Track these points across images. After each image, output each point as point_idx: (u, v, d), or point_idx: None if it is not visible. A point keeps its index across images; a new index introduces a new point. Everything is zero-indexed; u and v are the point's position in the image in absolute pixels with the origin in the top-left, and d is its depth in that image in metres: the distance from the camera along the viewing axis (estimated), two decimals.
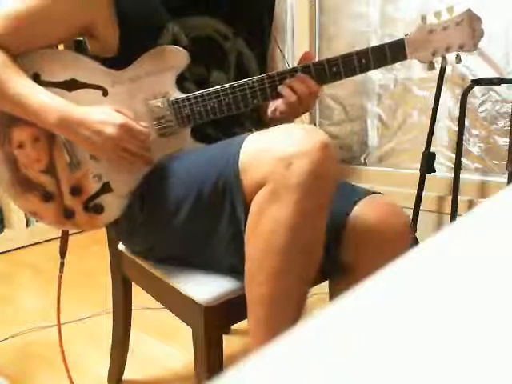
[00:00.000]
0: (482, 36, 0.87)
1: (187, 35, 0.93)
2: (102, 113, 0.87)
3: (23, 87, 0.87)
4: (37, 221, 0.98)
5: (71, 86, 0.91)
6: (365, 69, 0.90)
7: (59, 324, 1.11)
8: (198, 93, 0.91)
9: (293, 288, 0.78)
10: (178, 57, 0.91)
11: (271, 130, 0.79)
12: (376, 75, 2.00)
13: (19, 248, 2.28)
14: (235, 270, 0.87)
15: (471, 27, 0.86)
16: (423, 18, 0.89)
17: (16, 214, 2.26)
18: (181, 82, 0.93)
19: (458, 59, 0.90)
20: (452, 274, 0.31)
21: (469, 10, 0.86)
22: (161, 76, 0.92)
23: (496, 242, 0.36)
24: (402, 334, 0.25)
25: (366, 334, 0.25)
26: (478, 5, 1.69)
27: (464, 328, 0.25)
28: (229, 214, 0.80)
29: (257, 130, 1.13)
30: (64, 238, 1.11)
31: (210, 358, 0.89)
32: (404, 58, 0.89)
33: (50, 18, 0.90)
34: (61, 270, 1.10)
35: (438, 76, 1.65)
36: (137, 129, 0.88)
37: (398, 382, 0.21)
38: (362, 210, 0.87)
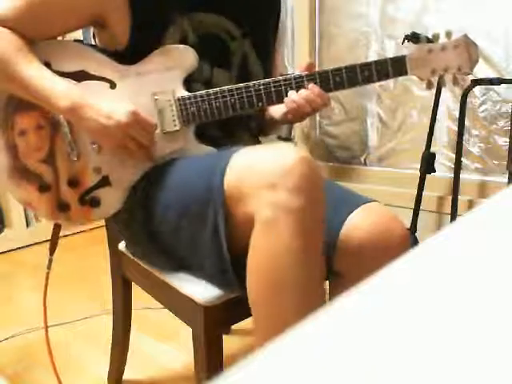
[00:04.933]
0: (477, 62, 0.91)
1: (195, 31, 0.94)
2: (113, 102, 0.89)
3: (35, 70, 0.87)
4: (36, 220, 0.99)
5: (80, 77, 0.92)
6: (367, 81, 0.92)
7: (46, 323, 1.10)
8: (205, 91, 0.92)
9: (302, 313, 0.75)
10: (188, 57, 0.92)
11: (254, 152, 0.79)
12: None
13: (19, 248, 2.28)
14: (220, 283, 0.86)
15: (468, 52, 0.90)
16: (423, 38, 0.93)
17: (16, 214, 2.26)
18: (186, 81, 0.94)
19: (456, 82, 0.94)
20: (452, 273, 0.31)
21: (465, 35, 0.90)
22: (169, 73, 0.92)
23: (496, 241, 0.36)
24: (402, 333, 0.25)
25: (366, 335, 0.25)
26: (478, 6, 1.70)
27: (464, 328, 0.25)
28: (210, 236, 0.80)
29: (260, 129, 1.13)
30: (54, 235, 1.11)
31: (210, 358, 0.89)
32: (405, 73, 0.92)
33: (63, 6, 0.90)
34: (48, 267, 1.10)
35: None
36: (146, 119, 0.89)
37: (398, 381, 0.21)
38: (358, 219, 0.85)
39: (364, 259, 0.85)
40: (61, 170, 0.94)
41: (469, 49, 0.90)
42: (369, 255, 0.84)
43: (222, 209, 0.77)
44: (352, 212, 0.86)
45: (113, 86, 0.93)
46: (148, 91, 0.93)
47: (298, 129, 2.28)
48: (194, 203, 0.82)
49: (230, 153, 0.80)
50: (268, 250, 0.72)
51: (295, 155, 0.72)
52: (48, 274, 1.10)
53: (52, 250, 1.11)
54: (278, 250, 0.71)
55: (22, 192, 0.95)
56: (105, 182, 0.94)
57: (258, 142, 1.11)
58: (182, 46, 0.92)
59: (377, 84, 2.00)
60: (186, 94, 0.93)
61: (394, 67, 0.91)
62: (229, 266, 0.79)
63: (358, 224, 0.85)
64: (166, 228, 0.88)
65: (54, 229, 1.09)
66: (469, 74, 0.92)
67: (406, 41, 1.51)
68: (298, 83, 0.92)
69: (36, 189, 0.94)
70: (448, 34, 0.91)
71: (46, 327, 1.11)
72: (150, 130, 0.90)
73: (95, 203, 0.95)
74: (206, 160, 0.88)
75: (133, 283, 1.16)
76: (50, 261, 1.11)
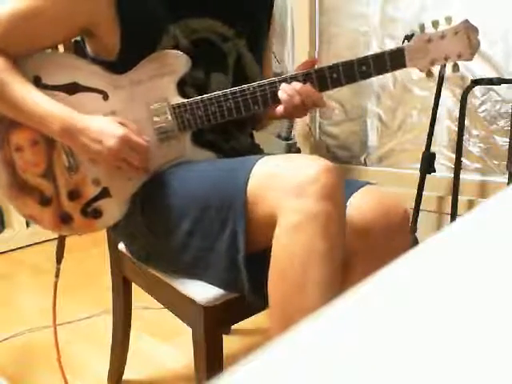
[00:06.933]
0: (478, 46, 0.89)
1: (187, 38, 0.93)
2: (103, 122, 0.87)
3: (26, 93, 0.87)
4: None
5: (72, 89, 0.91)
6: (365, 76, 0.89)
7: (55, 328, 1.11)
8: (199, 97, 0.90)
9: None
10: (179, 62, 0.91)
11: (276, 161, 0.79)
12: None
13: (19, 248, 2.28)
14: (228, 286, 0.87)
15: (468, 37, 0.88)
16: (421, 27, 0.90)
17: (16, 214, 2.25)
18: (181, 87, 0.93)
19: (456, 68, 0.92)
20: (452, 274, 0.31)
21: (466, 20, 0.89)
22: (162, 81, 0.91)
23: (496, 241, 0.36)
24: (402, 334, 0.25)
25: (366, 336, 0.25)
26: (478, 6, 1.70)
27: (464, 327, 0.25)
28: (228, 243, 0.80)
29: (256, 129, 1.13)
30: (60, 244, 1.11)
31: (210, 358, 0.89)
32: (403, 66, 0.90)
33: (51, 18, 0.89)
34: (56, 275, 1.10)
35: (437, 76, 1.65)
36: (137, 142, 0.87)
37: (398, 381, 0.21)
38: (358, 201, 0.86)
39: (366, 240, 0.85)
40: (60, 183, 0.94)
41: (469, 34, 0.88)
42: (371, 235, 0.85)
43: (244, 216, 0.77)
44: (352, 194, 0.87)
45: (105, 97, 0.92)
46: (142, 101, 0.92)
47: (298, 129, 2.28)
48: (213, 209, 0.81)
49: (252, 161, 0.80)
50: (293, 251, 0.73)
51: (320, 164, 0.74)
52: (56, 282, 1.10)
53: (59, 259, 1.11)
54: (303, 252, 0.72)
55: (24, 206, 0.95)
56: (105, 193, 0.94)
57: (256, 145, 1.11)
58: (173, 50, 0.90)
59: (376, 84, 2.00)
60: (180, 100, 0.91)
61: (392, 60, 0.89)
62: (243, 271, 0.79)
63: (358, 205, 0.85)
64: (176, 235, 0.87)
65: (59, 238, 1.09)
66: (470, 60, 0.90)
67: (405, 41, 1.51)
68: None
69: (37, 203, 0.94)
70: (448, 20, 0.89)
71: (56, 336, 1.11)
72: (141, 151, 0.88)
73: (97, 214, 0.95)
74: (224, 167, 0.87)
75: (133, 283, 1.16)
76: (58, 269, 1.11)
